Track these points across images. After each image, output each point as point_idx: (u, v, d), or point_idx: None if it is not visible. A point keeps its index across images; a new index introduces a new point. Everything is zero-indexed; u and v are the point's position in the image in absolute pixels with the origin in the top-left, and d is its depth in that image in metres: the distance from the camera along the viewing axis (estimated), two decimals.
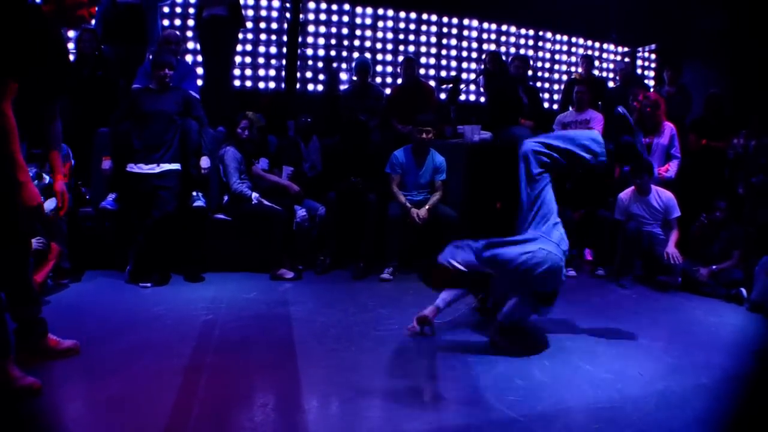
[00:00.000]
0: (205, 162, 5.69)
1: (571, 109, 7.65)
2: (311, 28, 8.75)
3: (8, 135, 2.80)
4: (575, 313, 4.77)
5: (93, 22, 7.22)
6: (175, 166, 5.52)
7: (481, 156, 6.82)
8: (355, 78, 7.75)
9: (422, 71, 9.07)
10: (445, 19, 9.51)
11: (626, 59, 10.58)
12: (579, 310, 4.93)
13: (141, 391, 3.12)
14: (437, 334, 4.22)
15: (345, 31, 8.92)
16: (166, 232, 5.36)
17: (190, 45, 8.06)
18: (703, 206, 6.36)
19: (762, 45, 8.21)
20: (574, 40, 10.52)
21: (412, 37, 9.32)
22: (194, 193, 5.65)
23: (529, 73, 8.80)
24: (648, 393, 3.36)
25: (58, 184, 3.40)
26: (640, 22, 10.26)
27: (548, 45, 10.32)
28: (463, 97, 8.96)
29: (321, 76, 8.78)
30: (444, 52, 9.52)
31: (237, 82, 8.23)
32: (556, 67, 10.41)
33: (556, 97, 10.19)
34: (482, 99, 9.20)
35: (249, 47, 8.45)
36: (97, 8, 3.56)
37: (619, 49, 10.89)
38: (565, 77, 10.18)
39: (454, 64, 9.56)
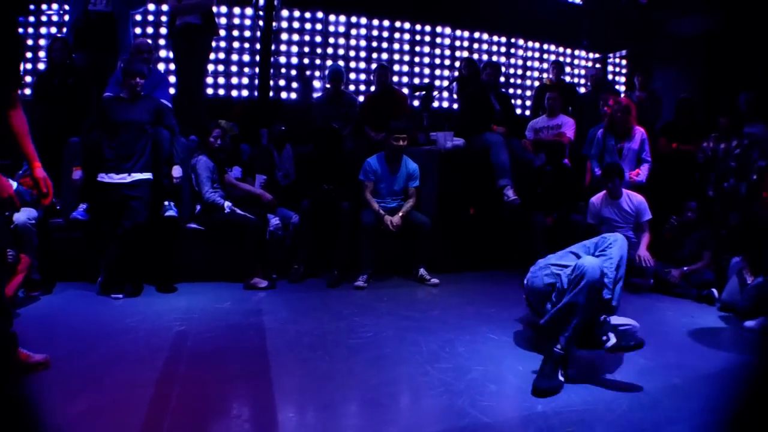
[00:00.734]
0: (176, 171, 5.65)
1: (542, 115, 7.74)
2: (284, 36, 8.73)
3: None
4: None
5: (65, 30, 7.20)
6: (147, 175, 5.47)
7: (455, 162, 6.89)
8: (328, 86, 7.75)
9: (395, 78, 9.08)
10: (418, 27, 9.54)
11: (597, 65, 10.72)
12: None
13: (113, 404, 3.09)
14: (410, 341, 4.22)
15: (318, 38, 8.91)
16: (137, 242, 5.31)
17: (163, 53, 8.01)
18: (674, 209, 6.46)
19: (731, 50, 8.36)
20: (545, 46, 10.62)
21: (385, 45, 9.34)
22: (166, 203, 5.61)
23: (502, 79, 8.86)
24: (620, 395, 3.40)
25: (38, 170, 3.31)
26: (611, 29, 10.38)
27: (520, 52, 10.40)
28: (436, 104, 9.02)
29: (294, 84, 8.76)
30: (417, 59, 9.55)
31: (210, 91, 8.18)
32: (528, 73, 10.49)
33: (528, 103, 10.27)
34: (455, 105, 9.25)
35: (222, 55, 8.40)
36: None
37: (591, 55, 11.02)
38: (537, 83, 10.27)
39: (427, 71, 9.58)
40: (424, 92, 7.99)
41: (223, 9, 8.38)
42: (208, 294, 5.39)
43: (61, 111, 6.25)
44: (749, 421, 2.05)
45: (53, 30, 7.84)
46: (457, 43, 9.84)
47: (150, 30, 8.17)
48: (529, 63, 10.50)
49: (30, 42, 7.72)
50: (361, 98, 8.26)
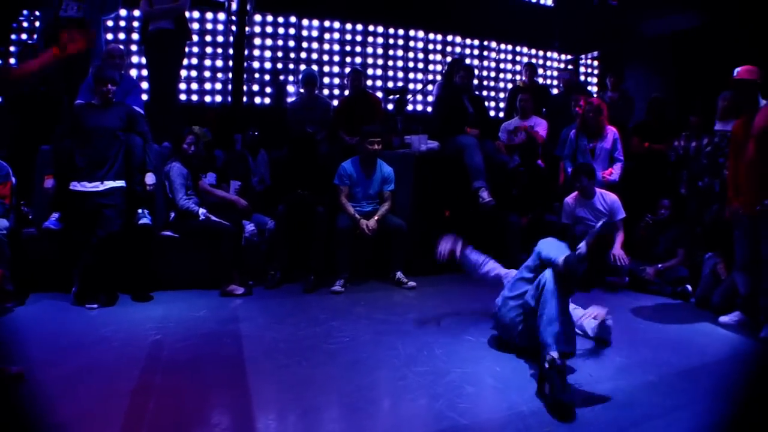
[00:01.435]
0: (150, 178, 5.59)
1: (515, 116, 7.80)
2: (257, 41, 8.71)
3: None
4: None
5: (35, 36, 7.09)
6: (120, 183, 5.41)
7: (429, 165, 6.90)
8: (302, 90, 7.74)
9: (369, 82, 9.12)
10: (391, 31, 9.58)
11: (569, 66, 10.82)
12: None
13: (88, 416, 3.04)
14: (387, 345, 4.23)
15: (291, 43, 8.90)
16: (111, 251, 5.25)
17: (135, 59, 7.94)
18: (647, 207, 6.53)
19: (700, 50, 8.48)
20: (518, 49, 10.72)
21: (358, 49, 9.36)
22: (139, 211, 5.54)
23: (475, 82, 8.90)
24: (597, 393, 3.42)
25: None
26: (582, 31, 10.49)
27: (493, 54, 10.48)
28: (410, 107, 9.05)
29: (268, 89, 8.74)
30: (390, 63, 9.59)
31: (183, 96, 8.13)
32: (501, 75, 10.58)
33: (501, 105, 10.34)
34: (429, 109, 9.28)
35: (195, 61, 8.36)
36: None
37: (563, 56, 11.13)
38: (510, 85, 10.35)
39: (400, 74, 9.62)
40: (398, 96, 7.99)
41: (196, 14, 8.34)
42: (184, 302, 5.34)
43: (32, 119, 6.16)
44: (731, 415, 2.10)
45: (23, 36, 7.73)
46: (431, 47, 9.89)
47: (122, 36, 8.09)
48: (502, 65, 10.59)
49: None
50: (335, 102, 8.25)
